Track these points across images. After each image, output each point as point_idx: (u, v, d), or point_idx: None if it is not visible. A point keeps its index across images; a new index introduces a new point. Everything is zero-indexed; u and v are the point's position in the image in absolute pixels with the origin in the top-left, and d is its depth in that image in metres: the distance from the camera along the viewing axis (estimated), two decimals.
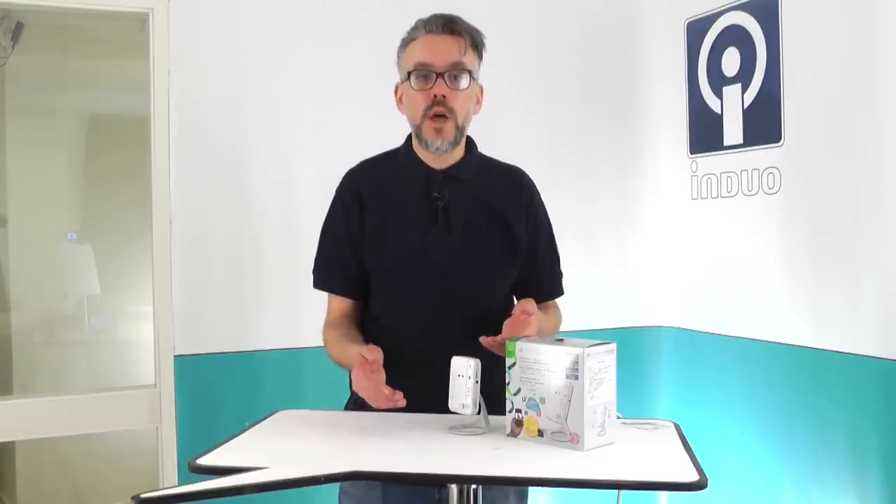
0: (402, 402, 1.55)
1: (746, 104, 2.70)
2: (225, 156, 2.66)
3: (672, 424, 1.71)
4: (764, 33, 2.62)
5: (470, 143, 1.88)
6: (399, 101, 1.86)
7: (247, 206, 2.68)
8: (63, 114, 4.13)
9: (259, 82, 2.69)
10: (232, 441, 1.56)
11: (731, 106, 2.76)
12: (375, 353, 1.58)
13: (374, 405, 1.58)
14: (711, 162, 2.87)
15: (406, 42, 1.83)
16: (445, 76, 1.76)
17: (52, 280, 4.14)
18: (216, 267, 2.65)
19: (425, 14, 1.82)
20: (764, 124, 2.63)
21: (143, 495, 1.26)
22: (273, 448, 1.57)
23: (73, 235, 4.20)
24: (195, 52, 2.63)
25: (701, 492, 1.33)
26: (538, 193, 1.93)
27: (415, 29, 1.81)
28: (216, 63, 2.65)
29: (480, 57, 1.83)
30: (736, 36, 2.74)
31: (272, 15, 2.71)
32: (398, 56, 1.85)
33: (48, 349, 4.10)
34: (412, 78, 1.78)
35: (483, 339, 1.65)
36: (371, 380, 1.56)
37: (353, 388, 1.64)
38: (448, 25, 1.78)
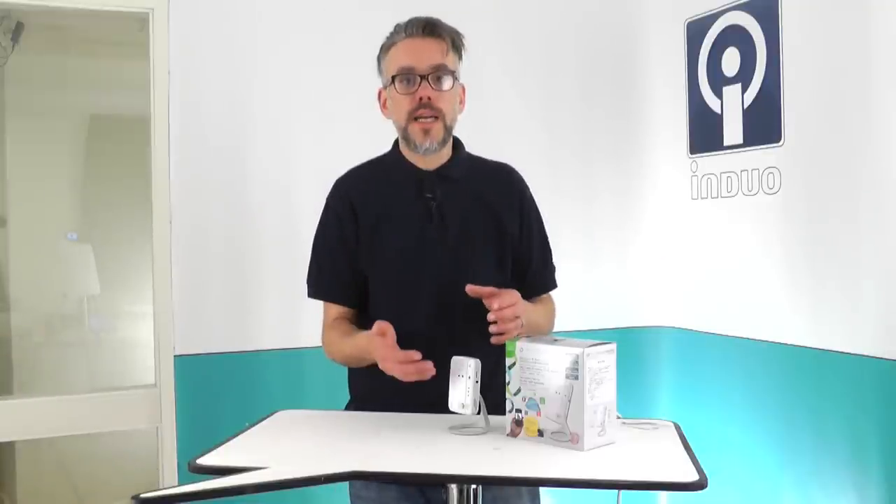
0: (432, 371, 1.58)
1: (746, 104, 2.70)
2: (225, 156, 2.66)
3: (672, 424, 1.71)
4: (764, 33, 2.62)
5: (457, 143, 1.90)
6: (383, 105, 1.87)
7: (247, 206, 2.68)
8: (63, 114, 4.12)
9: (259, 82, 2.69)
10: (232, 441, 1.56)
11: (731, 106, 2.76)
12: (384, 326, 1.61)
13: (404, 378, 1.60)
14: (711, 162, 2.87)
15: (386, 47, 1.83)
16: (429, 78, 1.77)
17: (52, 280, 4.14)
18: (216, 267, 2.65)
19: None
20: (764, 124, 2.63)
21: (143, 495, 1.26)
22: (273, 448, 1.57)
23: (73, 235, 4.20)
24: (195, 52, 2.64)
25: (701, 492, 1.33)
26: (528, 188, 1.94)
27: (395, 33, 1.82)
28: (216, 63, 2.65)
29: (461, 57, 1.85)
30: (736, 36, 2.74)
31: (272, 15, 2.71)
32: (379, 61, 1.86)
33: (48, 349, 4.10)
34: (396, 82, 1.79)
35: (469, 288, 1.67)
36: (397, 351, 1.60)
37: (382, 366, 1.64)
38: (429, 28, 1.79)
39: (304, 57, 2.73)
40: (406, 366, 1.59)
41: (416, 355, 1.59)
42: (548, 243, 1.96)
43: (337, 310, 1.87)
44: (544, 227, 1.96)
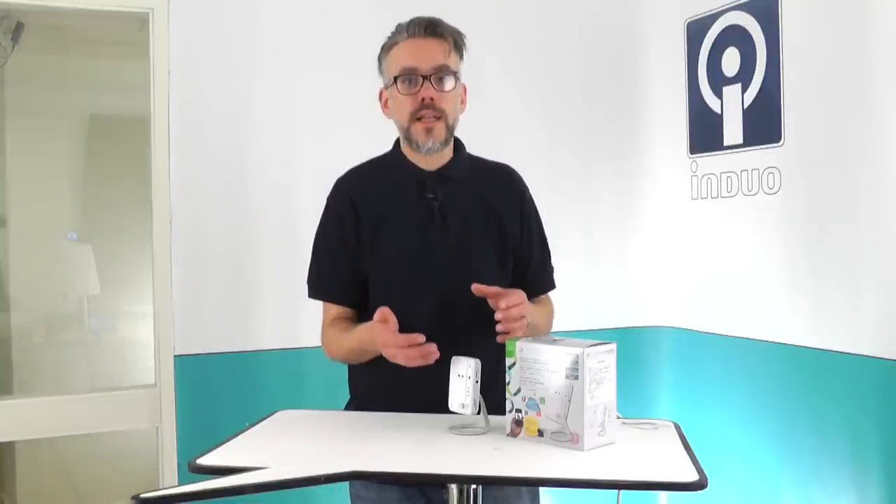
0: (436, 354, 1.58)
1: (746, 104, 2.70)
2: (225, 156, 2.66)
3: (672, 424, 1.71)
4: (764, 33, 2.62)
5: (458, 144, 1.89)
6: (384, 105, 1.86)
7: (247, 206, 2.68)
8: (63, 114, 4.13)
9: (259, 82, 2.69)
10: (232, 441, 1.56)
11: (731, 106, 2.76)
12: (386, 312, 1.61)
13: (408, 363, 1.60)
14: (711, 162, 2.87)
15: (388, 47, 1.83)
16: (431, 79, 1.77)
17: (52, 280, 4.14)
18: (216, 267, 2.65)
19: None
20: (764, 124, 2.63)
21: (143, 495, 1.26)
22: (273, 448, 1.57)
23: (73, 235, 4.20)
24: (195, 52, 2.64)
25: (701, 492, 1.33)
26: (528, 189, 1.94)
27: (396, 33, 1.82)
28: (216, 63, 2.65)
29: (462, 57, 1.84)
30: (736, 36, 2.74)
31: (272, 15, 2.71)
32: (380, 61, 1.86)
33: (48, 349, 4.10)
34: (398, 82, 1.78)
35: (475, 287, 1.67)
36: (399, 335, 1.59)
37: (385, 353, 1.64)
38: (431, 28, 1.79)
39: (305, 57, 2.73)
40: (410, 350, 1.59)
41: (420, 338, 1.59)
42: (547, 244, 1.96)
43: (337, 310, 1.87)
44: (543, 227, 1.96)
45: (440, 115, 1.78)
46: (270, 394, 2.60)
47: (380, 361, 1.75)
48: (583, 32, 3.08)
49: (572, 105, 3.06)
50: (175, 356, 2.59)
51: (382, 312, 1.62)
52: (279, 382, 2.65)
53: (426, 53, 1.77)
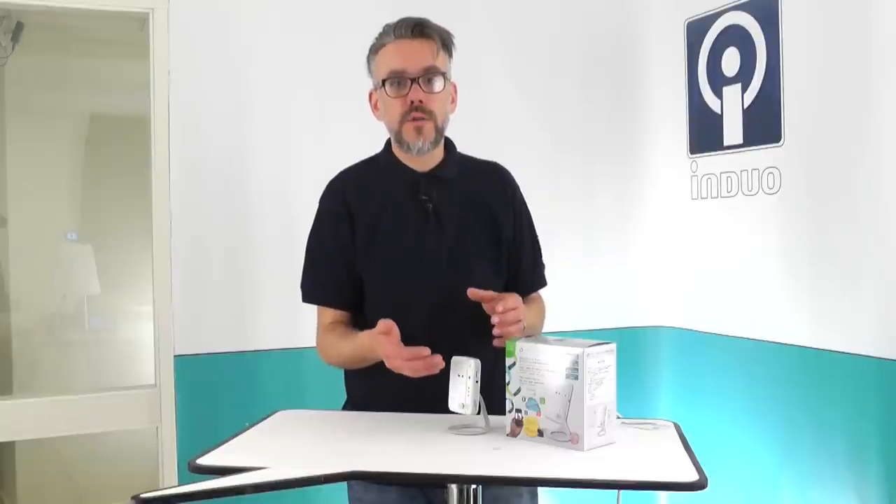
0: (441, 364, 1.57)
1: (746, 104, 2.70)
2: (225, 156, 2.66)
3: (672, 424, 1.71)
4: (764, 33, 2.62)
5: (449, 144, 1.89)
6: (374, 107, 1.86)
7: (247, 206, 2.68)
8: (63, 114, 4.13)
9: (259, 82, 2.69)
10: (232, 441, 1.56)
11: (731, 106, 2.76)
12: (389, 324, 1.60)
13: (413, 374, 1.59)
14: (711, 162, 2.87)
15: (376, 48, 1.82)
16: (420, 81, 1.76)
17: (52, 280, 4.15)
18: (216, 267, 2.65)
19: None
20: (764, 124, 2.63)
21: (143, 495, 1.26)
22: (273, 448, 1.57)
23: (73, 235, 4.21)
24: (195, 52, 2.64)
25: (701, 492, 1.33)
26: (519, 187, 1.94)
27: (384, 35, 1.80)
28: (216, 63, 2.66)
29: (451, 56, 1.83)
30: (736, 36, 2.74)
31: (272, 15, 2.71)
32: (368, 63, 1.84)
33: (48, 349, 4.11)
34: (386, 85, 1.77)
35: (471, 291, 1.66)
36: (403, 348, 1.58)
37: (389, 364, 1.63)
38: (418, 29, 1.77)
39: (304, 57, 2.73)
40: (415, 362, 1.58)
41: (425, 351, 1.58)
42: (538, 241, 1.96)
43: (332, 313, 1.85)
44: (534, 225, 1.95)
45: (429, 117, 1.77)
46: (270, 394, 2.60)
47: (377, 363, 1.75)
48: (583, 32, 3.08)
49: (572, 105, 3.06)
50: (175, 356, 2.59)
51: (385, 325, 1.61)
52: (279, 382, 2.65)
53: (414, 55, 1.76)
